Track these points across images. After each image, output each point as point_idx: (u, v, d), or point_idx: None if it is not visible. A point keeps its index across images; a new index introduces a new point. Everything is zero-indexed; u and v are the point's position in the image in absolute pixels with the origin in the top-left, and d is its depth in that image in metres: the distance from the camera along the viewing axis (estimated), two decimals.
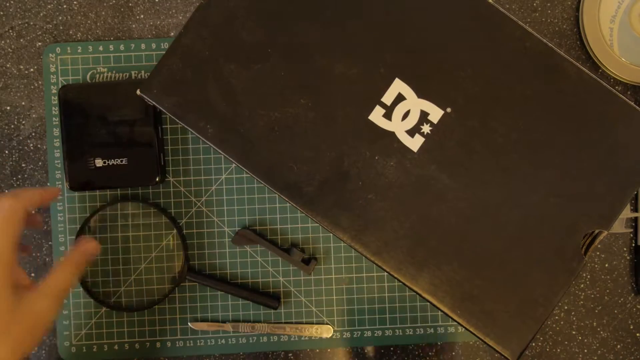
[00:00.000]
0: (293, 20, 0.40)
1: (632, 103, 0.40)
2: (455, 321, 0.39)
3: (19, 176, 0.48)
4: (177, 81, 0.40)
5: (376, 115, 0.40)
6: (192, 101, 0.40)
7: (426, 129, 0.40)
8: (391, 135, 0.40)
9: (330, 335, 0.48)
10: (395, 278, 0.40)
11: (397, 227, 0.40)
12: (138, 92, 0.40)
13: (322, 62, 0.40)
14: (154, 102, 0.40)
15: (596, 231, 0.39)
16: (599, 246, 0.48)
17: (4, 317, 0.35)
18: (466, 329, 0.39)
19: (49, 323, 0.37)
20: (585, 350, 0.48)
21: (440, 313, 0.47)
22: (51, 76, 0.48)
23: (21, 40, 0.48)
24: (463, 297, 0.39)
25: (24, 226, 0.37)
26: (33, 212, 0.43)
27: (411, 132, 0.40)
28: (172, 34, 0.49)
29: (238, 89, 0.40)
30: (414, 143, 0.40)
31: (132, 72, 0.48)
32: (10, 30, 0.48)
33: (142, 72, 0.48)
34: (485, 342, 0.39)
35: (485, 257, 0.39)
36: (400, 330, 0.48)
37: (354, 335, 0.48)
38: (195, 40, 0.40)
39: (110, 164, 0.45)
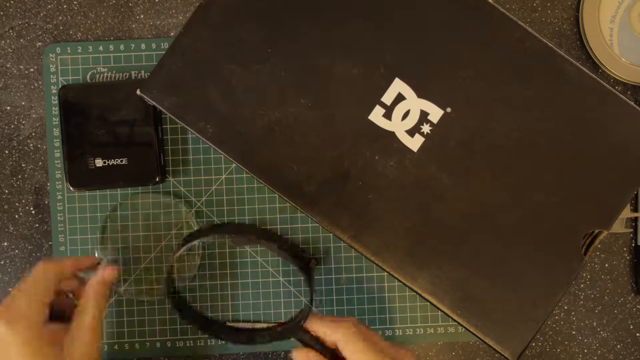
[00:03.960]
0: (293, 20, 0.40)
1: (632, 103, 0.40)
2: (455, 321, 0.39)
3: (19, 176, 0.48)
4: (177, 81, 0.40)
5: (376, 115, 0.40)
6: (192, 101, 0.40)
7: (426, 128, 0.40)
8: (391, 135, 0.40)
9: None
10: (395, 278, 0.40)
11: (397, 227, 0.40)
12: (138, 92, 0.40)
13: (322, 62, 0.40)
14: (154, 102, 0.40)
15: (596, 231, 0.39)
16: (599, 246, 0.48)
17: None
18: (466, 329, 0.39)
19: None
20: (585, 350, 0.48)
21: (440, 313, 0.47)
22: (51, 76, 0.48)
23: (21, 40, 0.48)
24: (463, 297, 0.39)
25: (57, 287, 0.38)
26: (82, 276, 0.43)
27: (411, 132, 0.40)
28: (172, 34, 0.48)
29: (238, 89, 0.40)
30: (414, 143, 0.40)
31: (132, 72, 0.48)
32: (10, 30, 0.48)
33: (142, 72, 0.48)
34: (485, 342, 0.39)
35: (485, 257, 0.39)
36: (400, 330, 0.48)
37: None
38: (195, 40, 0.40)
39: (110, 163, 0.45)
